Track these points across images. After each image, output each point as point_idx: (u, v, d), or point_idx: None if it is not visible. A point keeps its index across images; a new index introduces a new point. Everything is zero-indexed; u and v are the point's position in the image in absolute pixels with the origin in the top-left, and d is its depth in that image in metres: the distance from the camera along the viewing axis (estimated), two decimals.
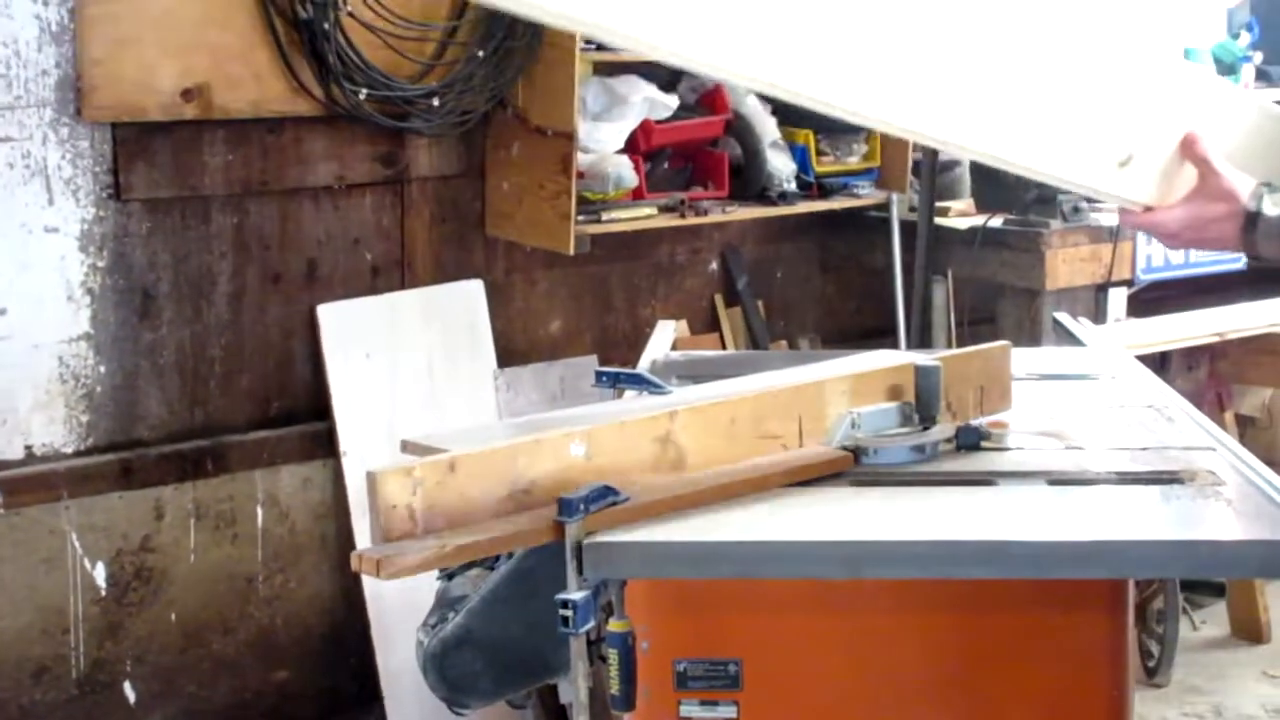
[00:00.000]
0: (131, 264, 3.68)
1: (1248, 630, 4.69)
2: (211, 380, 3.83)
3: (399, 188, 4.07)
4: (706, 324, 4.74)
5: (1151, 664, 4.36)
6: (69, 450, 3.63)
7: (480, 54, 3.93)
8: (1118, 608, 2.14)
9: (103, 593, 3.67)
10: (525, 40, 3.94)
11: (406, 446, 2.19)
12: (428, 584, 2.73)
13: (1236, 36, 5.57)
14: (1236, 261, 4.65)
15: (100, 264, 3.63)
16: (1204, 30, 5.51)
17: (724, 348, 4.66)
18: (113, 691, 3.70)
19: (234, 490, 3.84)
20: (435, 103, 3.90)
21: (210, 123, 3.69)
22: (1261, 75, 5.63)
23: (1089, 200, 4.43)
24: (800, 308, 4.95)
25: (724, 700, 2.15)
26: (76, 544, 3.61)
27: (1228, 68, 5.55)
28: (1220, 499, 2.14)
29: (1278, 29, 5.65)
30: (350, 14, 3.71)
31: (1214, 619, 4.76)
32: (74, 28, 3.46)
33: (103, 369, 3.65)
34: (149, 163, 3.65)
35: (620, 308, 4.57)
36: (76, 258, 3.59)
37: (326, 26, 3.65)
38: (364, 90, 3.76)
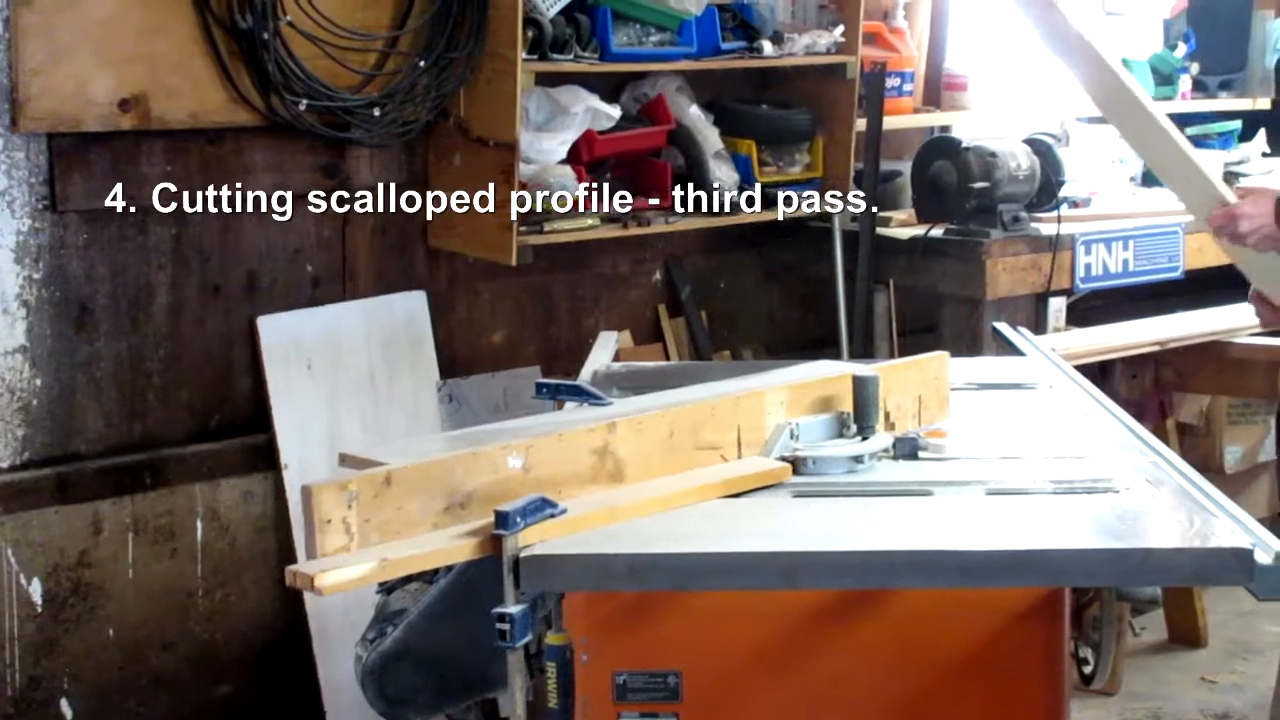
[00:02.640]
0: (68, 276, 3.64)
1: (1186, 635, 4.73)
2: (150, 393, 3.79)
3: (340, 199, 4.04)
4: (650, 334, 4.74)
5: (1088, 670, 4.39)
6: (4, 465, 3.58)
7: (422, 64, 3.92)
8: (1053, 616, 2.15)
9: (39, 609, 3.62)
10: (467, 50, 3.93)
11: (344, 460, 2.18)
12: (371, 598, 2.71)
13: (1173, 48, 5.64)
14: (1174, 271, 4.71)
15: (36, 276, 3.59)
16: (1141, 41, 5.56)
17: (667, 358, 4.66)
18: (50, 709, 3.66)
19: (173, 504, 3.80)
20: (376, 113, 3.88)
21: (148, 133, 3.66)
22: (1199, 86, 5.70)
23: (1029, 210, 4.48)
24: (744, 318, 4.96)
25: (664, 712, 2.15)
26: (12, 560, 3.56)
27: (1165, 78, 5.61)
28: (1154, 507, 2.16)
29: (1214, 40, 5.73)
30: (290, 24, 3.68)
31: (1154, 625, 4.80)
32: (9, 38, 3.42)
33: (39, 382, 3.61)
34: (86, 174, 3.61)
35: (564, 319, 4.56)
36: (12, 270, 3.55)
37: (266, 36, 3.63)
38: (304, 100, 3.74)
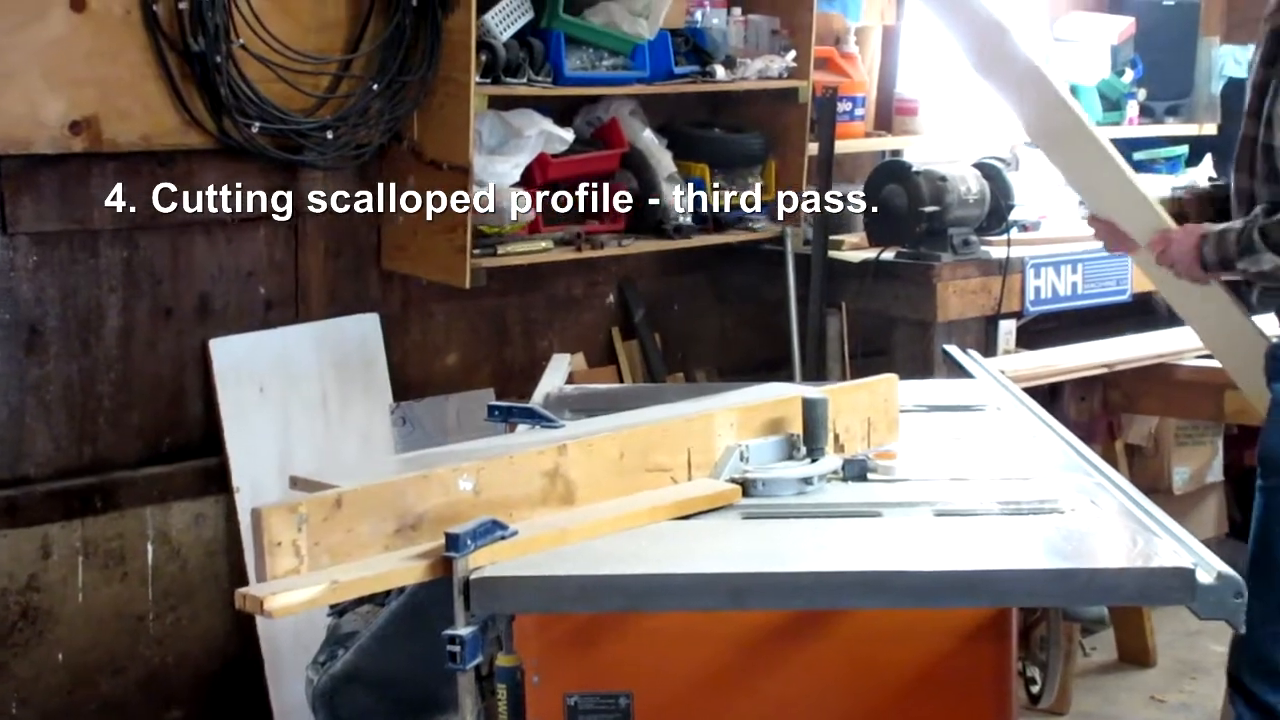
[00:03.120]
0: (18, 298, 3.62)
1: (1135, 655, 4.77)
2: (101, 416, 3.77)
3: (293, 221, 4.04)
4: (603, 357, 4.75)
5: (1036, 690, 4.41)
6: None
7: (375, 87, 3.92)
8: (1001, 636, 2.17)
9: None
10: (420, 74, 3.94)
11: (295, 483, 2.18)
12: (322, 620, 2.71)
13: (1121, 74, 5.71)
14: (1122, 294, 4.77)
15: None
16: (1090, 67, 5.63)
17: (621, 381, 4.67)
18: None
19: (124, 528, 3.78)
20: (329, 136, 3.88)
21: (99, 156, 3.65)
22: (1146, 111, 5.78)
23: (979, 233, 4.52)
24: (697, 340, 4.98)
25: None
26: None
27: (1113, 104, 5.69)
28: (1098, 528, 2.19)
29: (1161, 66, 5.81)
30: (243, 47, 3.68)
31: (1104, 645, 4.84)
32: None
33: None
34: (36, 196, 3.59)
35: (517, 341, 4.57)
36: None
37: (218, 59, 3.63)
38: (257, 123, 3.73)
